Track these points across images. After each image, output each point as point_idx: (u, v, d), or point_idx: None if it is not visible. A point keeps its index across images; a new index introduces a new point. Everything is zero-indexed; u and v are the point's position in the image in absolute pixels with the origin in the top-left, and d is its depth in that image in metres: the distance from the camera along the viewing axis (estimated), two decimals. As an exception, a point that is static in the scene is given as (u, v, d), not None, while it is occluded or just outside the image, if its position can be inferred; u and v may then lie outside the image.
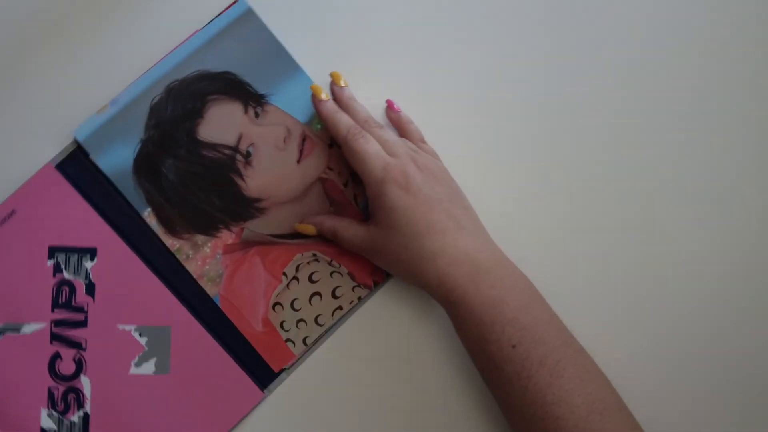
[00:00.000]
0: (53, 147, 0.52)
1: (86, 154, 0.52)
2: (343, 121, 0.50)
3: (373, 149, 0.49)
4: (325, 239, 0.52)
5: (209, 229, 0.52)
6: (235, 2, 0.53)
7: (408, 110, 0.54)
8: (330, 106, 0.51)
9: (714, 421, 0.52)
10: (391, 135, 0.50)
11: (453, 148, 0.53)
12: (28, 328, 0.51)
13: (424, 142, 0.53)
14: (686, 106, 0.55)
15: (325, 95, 0.51)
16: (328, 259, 0.52)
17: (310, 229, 0.52)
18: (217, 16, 0.53)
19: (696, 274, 0.54)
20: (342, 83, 0.52)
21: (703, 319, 0.53)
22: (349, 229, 0.51)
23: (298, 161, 0.53)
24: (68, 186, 0.51)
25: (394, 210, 0.47)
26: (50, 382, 0.50)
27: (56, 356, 0.50)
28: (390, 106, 0.53)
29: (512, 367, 0.45)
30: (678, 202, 0.54)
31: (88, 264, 0.51)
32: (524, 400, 0.45)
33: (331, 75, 0.52)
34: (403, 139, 0.51)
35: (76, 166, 0.52)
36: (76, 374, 0.51)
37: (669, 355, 0.53)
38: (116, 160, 0.52)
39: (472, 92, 0.55)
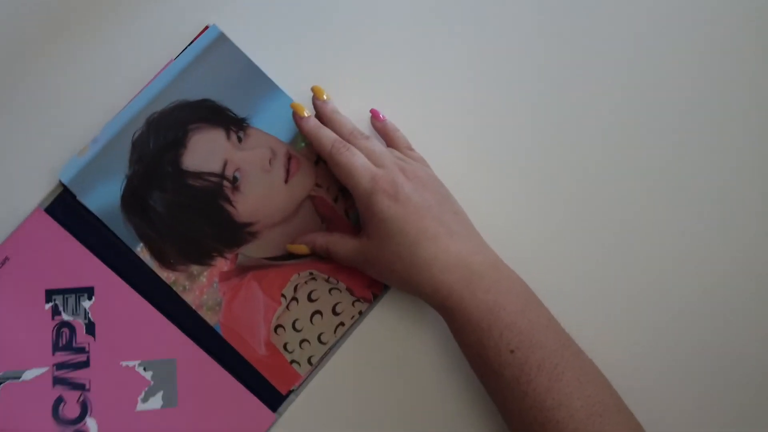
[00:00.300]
0: (40, 191, 0.52)
1: (73, 196, 0.51)
2: (326, 136, 0.50)
3: (360, 161, 0.48)
4: (320, 257, 0.52)
5: (203, 258, 0.52)
6: (206, 28, 0.53)
7: (393, 117, 0.53)
8: (312, 123, 0.51)
9: (713, 421, 0.53)
10: (377, 145, 0.50)
11: (442, 153, 0.53)
12: (29, 374, 0.50)
13: (411, 149, 0.53)
14: (682, 106, 0.55)
15: (306, 112, 0.51)
16: (326, 276, 0.52)
17: (302, 249, 0.52)
18: (189, 44, 0.53)
19: (694, 274, 0.54)
20: (324, 97, 0.52)
21: (702, 318, 0.54)
22: (341, 243, 0.51)
23: (286, 181, 0.53)
24: (59, 228, 0.51)
25: (385, 220, 0.47)
26: (55, 428, 0.50)
27: (60, 400, 0.50)
28: (375, 116, 0.53)
29: (511, 371, 0.45)
30: (675, 201, 0.55)
31: (86, 303, 0.51)
32: (523, 404, 0.44)
33: (313, 89, 0.52)
34: (390, 148, 0.51)
35: (65, 207, 0.51)
36: (82, 417, 0.50)
37: (668, 355, 0.53)
38: (103, 199, 0.51)
39: (457, 95, 0.55)
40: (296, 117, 0.51)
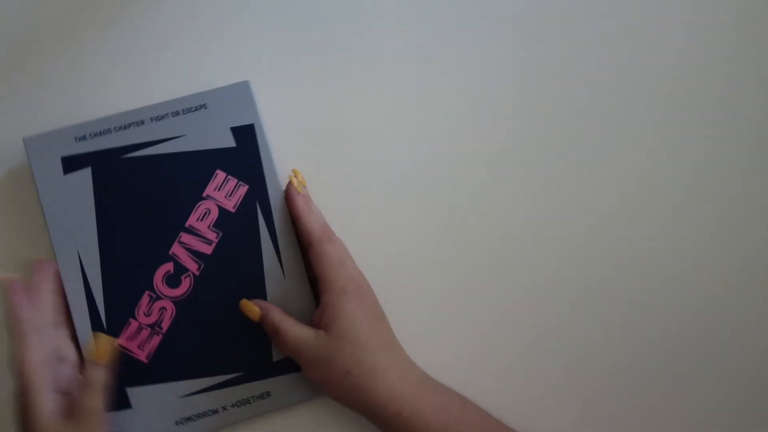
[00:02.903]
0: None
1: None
2: (317, 220, 0.51)
3: (342, 256, 0.50)
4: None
5: None
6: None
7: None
8: (303, 204, 0.51)
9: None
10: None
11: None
12: None
13: None
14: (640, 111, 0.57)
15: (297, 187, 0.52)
16: None
17: (254, 312, 0.50)
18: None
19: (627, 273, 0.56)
20: (303, 184, 0.53)
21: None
22: (296, 329, 0.49)
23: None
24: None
25: (354, 321, 0.48)
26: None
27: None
28: None
29: None
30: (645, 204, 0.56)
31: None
32: None
33: (294, 172, 0.53)
34: None
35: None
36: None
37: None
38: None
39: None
40: (291, 190, 0.51)
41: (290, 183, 0.52)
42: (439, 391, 0.49)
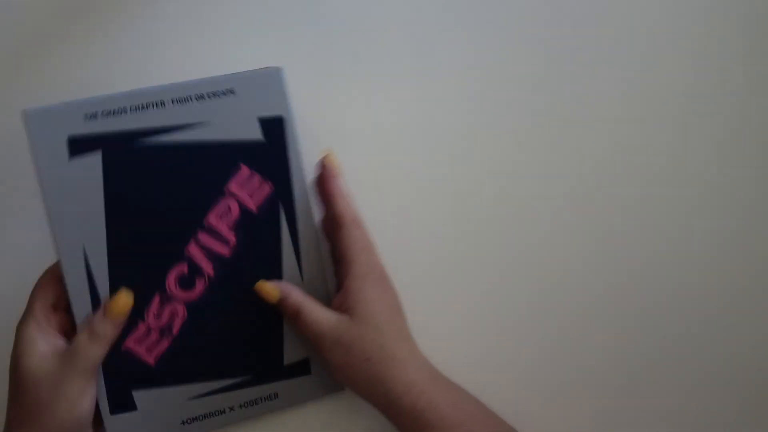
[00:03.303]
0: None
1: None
2: (351, 205, 0.49)
3: (370, 244, 0.49)
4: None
5: None
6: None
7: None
8: (344, 185, 0.50)
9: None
10: None
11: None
12: None
13: None
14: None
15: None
16: None
17: (273, 294, 0.48)
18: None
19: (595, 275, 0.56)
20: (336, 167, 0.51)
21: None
22: (318, 311, 0.47)
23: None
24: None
25: (378, 307, 0.47)
26: None
27: None
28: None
29: None
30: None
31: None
32: None
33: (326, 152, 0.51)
34: None
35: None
36: None
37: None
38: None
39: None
40: (330, 170, 0.50)
41: (329, 163, 0.50)
42: (452, 388, 0.49)
